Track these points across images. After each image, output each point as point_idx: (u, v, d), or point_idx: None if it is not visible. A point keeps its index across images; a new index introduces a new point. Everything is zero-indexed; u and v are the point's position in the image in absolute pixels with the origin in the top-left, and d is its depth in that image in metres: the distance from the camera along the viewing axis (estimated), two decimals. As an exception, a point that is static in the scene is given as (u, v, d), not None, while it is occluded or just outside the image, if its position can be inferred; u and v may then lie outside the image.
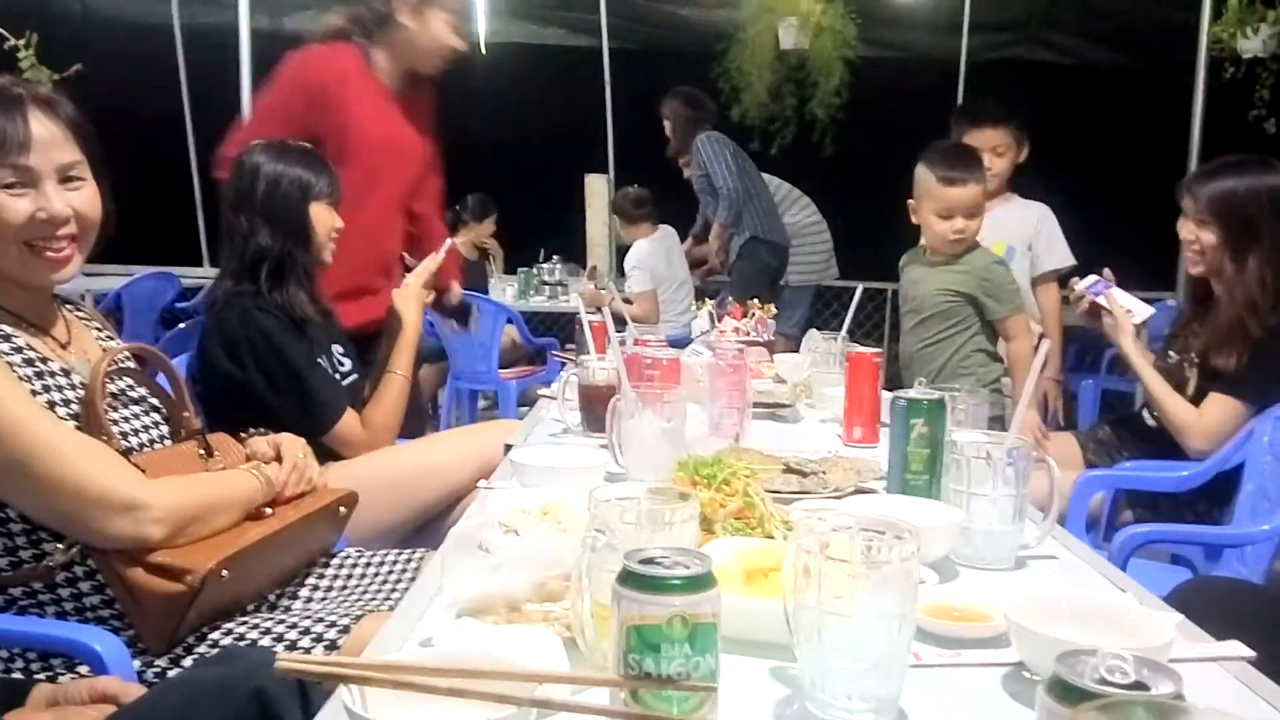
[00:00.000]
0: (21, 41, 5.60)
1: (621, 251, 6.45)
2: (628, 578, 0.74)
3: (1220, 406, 2.28)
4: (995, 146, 3.26)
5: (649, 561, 0.75)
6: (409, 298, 2.30)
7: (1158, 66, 6.21)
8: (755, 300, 3.07)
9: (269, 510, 1.50)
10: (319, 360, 2.13)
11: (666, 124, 5.20)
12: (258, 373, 2.04)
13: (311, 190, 2.12)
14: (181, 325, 2.76)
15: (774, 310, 3.08)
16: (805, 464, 1.52)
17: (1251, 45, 5.19)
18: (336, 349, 2.21)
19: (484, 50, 6.52)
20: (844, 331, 2.54)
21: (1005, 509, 1.20)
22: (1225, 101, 5.39)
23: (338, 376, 2.18)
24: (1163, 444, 2.39)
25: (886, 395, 1.99)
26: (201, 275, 6.30)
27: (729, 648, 0.82)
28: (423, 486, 2.07)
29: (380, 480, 1.92)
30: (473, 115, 7.17)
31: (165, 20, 6.75)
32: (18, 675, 1.31)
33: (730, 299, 3.38)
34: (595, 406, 1.88)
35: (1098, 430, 2.74)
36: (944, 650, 0.96)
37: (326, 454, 2.02)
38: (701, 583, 0.74)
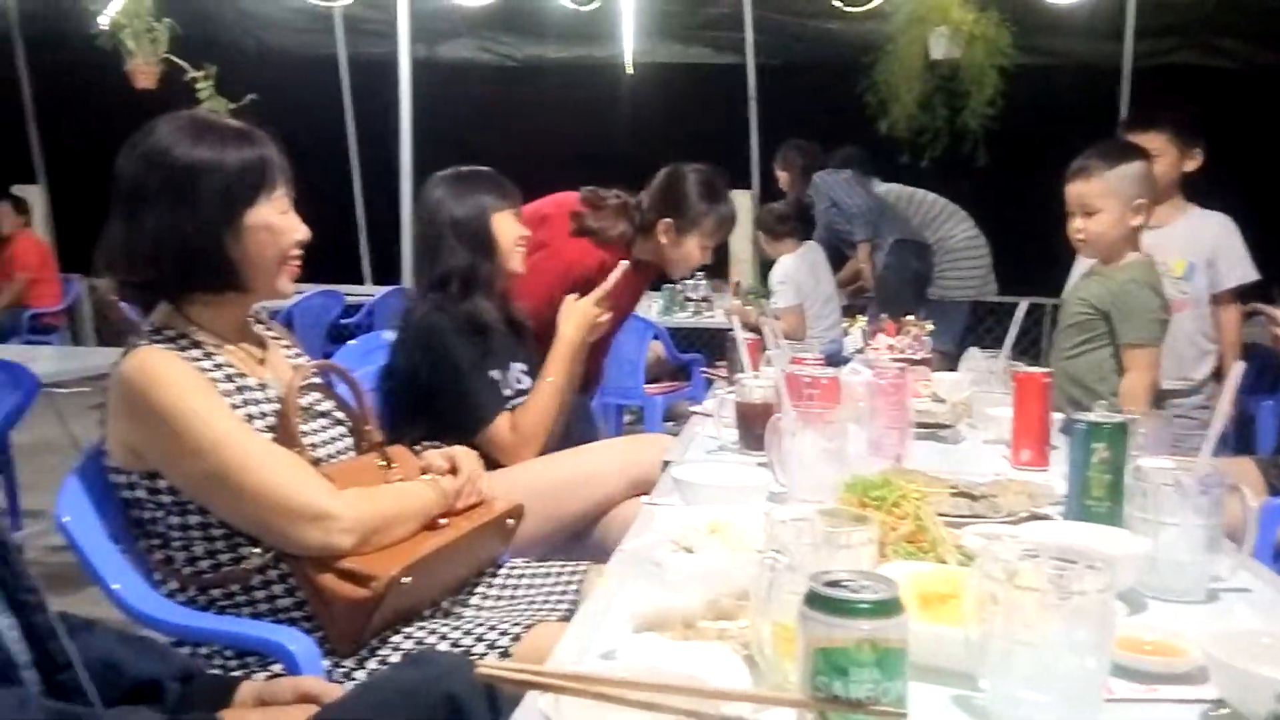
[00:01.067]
0: (201, 74, 6.04)
1: (765, 267, 6.45)
2: (814, 600, 0.74)
3: None
4: (1154, 150, 3.07)
5: (835, 584, 0.75)
6: (570, 312, 2.33)
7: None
8: (909, 316, 3.02)
9: (444, 521, 1.57)
10: (490, 370, 2.20)
11: (783, 176, 5.43)
12: (423, 364, 2.15)
13: (492, 203, 2.23)
14: (352, 341, 2.91)
15: (929, 326, 3.02)
16: (974, 487, 1.49)
17: None
18: (519, 367, 2.28)
19: (630, 71, 6.65)
20: (1006, 350, 2.47)
21: (1196, 539, 1.15)
22: None
23: (509, 393, 2.25)
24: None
25: (1058, 416, 1.94)
26: (364, 293, 6.62)
27: (911, 674, 0.81)
28: (573, 498, 2.11)
29: (532, 490, 1.96)
30: (617, 134, 7.31)
31: (331, 52, 7.15)
32: (217, 671, 1.41)
33: (883, 315, 3.32)
34: (753, 424, 1.89)
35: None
36: (1138, 684, 0.93)
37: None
38: (890, 608, 0.74)
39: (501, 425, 2.17)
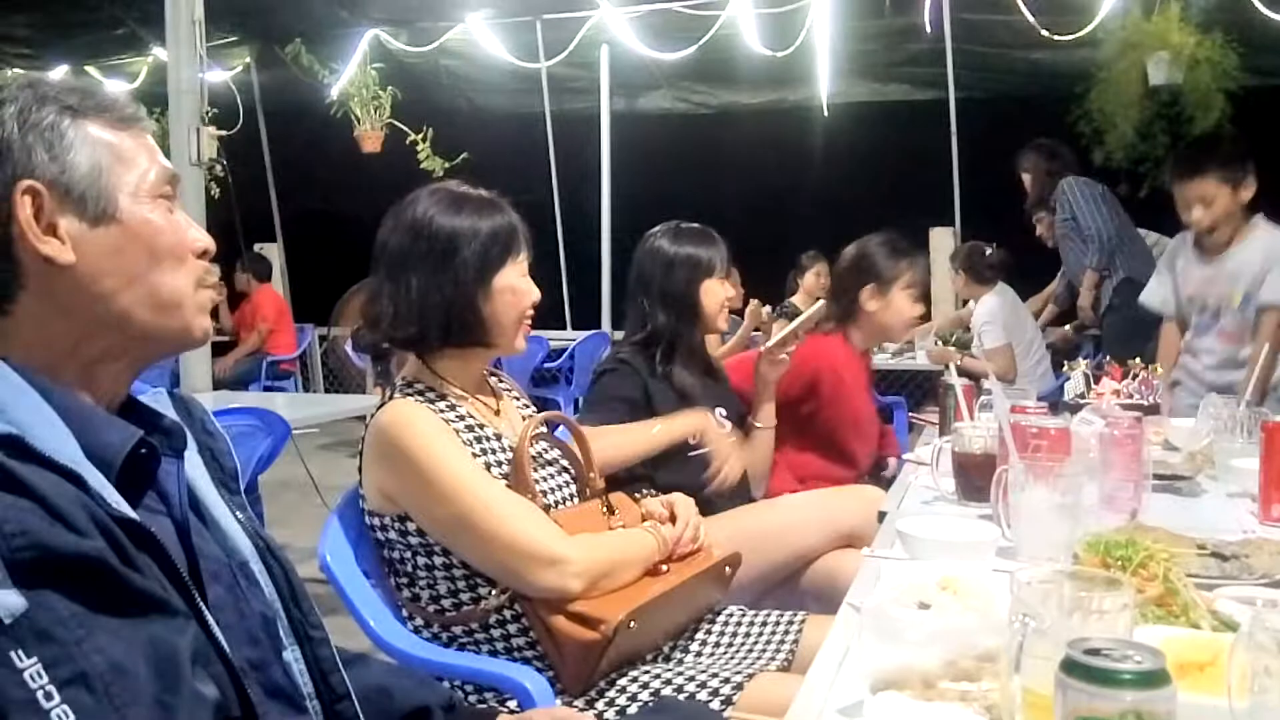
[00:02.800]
0: (419, 135, 6.48)
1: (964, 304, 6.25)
2: (1073, 668, 0.73)
3: None
4: (1202, 197, 2.99)
5: (1095, 652, 0.74)
6: (763, 362, 2.38)
7: None
8: (1138, 360, 2.86)
9: (665, 568, 1.61)
10: None
11: (1025, 177, 5.09)
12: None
13: (701, 268, 2.28)
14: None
15: (1159, 370, 2.86)
16: (1223, 546, 1.40)
17: None
18: (720, 412, 2.33)
19: (826, 112, 6.65)
20: (1248, 396, 2.30)
21: None
22: None
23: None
24: None
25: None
26: (566, 338, 6.87)
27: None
28: (774, 548, 2.11)
29: (734, 539, 1.94)
30: (814, 176, 7.30)
31: (537, 110, 7.50)
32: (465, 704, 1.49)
33: (1108, 358, 3.16)
34: (973, 475, 1.85)
35: None
36: None
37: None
38: (1157, 679, 0.72)
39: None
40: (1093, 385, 2.62)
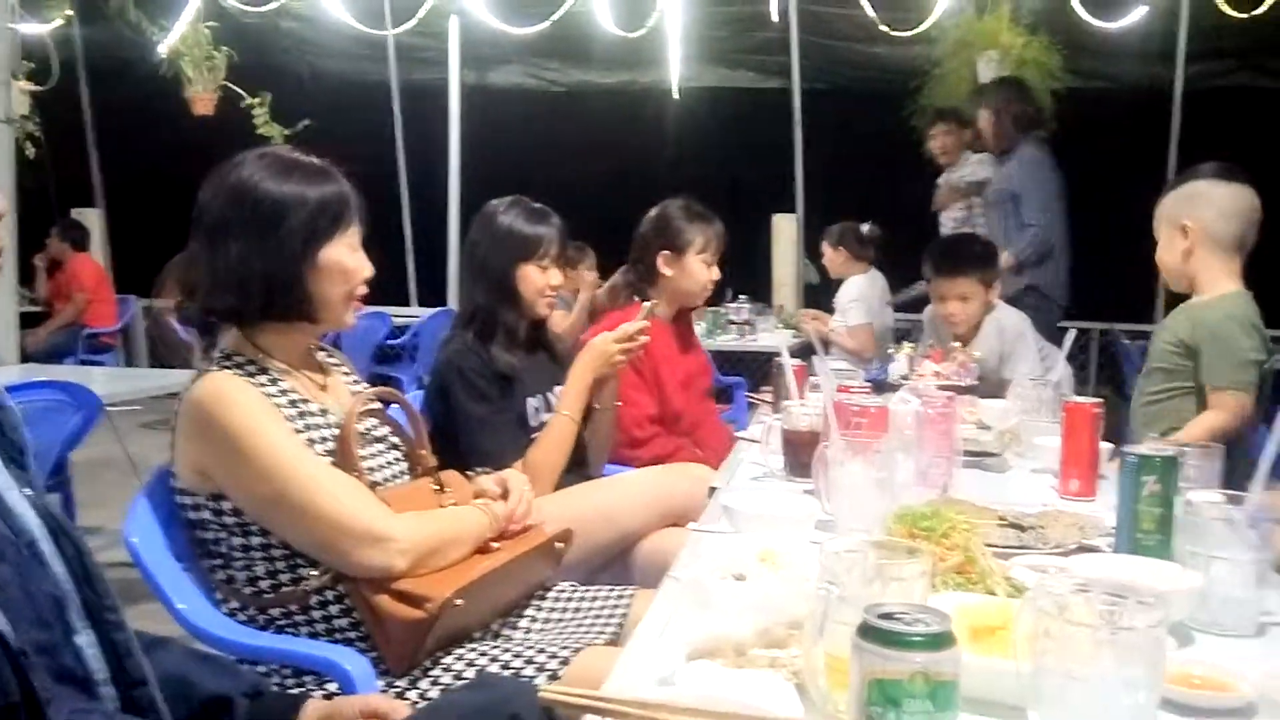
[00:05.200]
0: (256, 100, 6.19)
1: (810, 290, 6.45)
2: (868, 631, 0.76)
3: None
4: (961, 295, 3.18)
5: (888, 616, 0.77)
6: (586, 349, 2.33)
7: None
8: (958, 344, 3.02)
9: (496, 544, 1.60)
10: (515, 408, 2.24)
11: (984, 116, 4.62)
12: (439, 405, 2.19)
13: (521, 249, 2.25)
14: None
15: (976, 353, 3.02)
16: (1022, 517, 1.49)
17: None
18: (560, 389, 2.31)
19: (677, 95, 6.71)
20: (1056, 377, 2.46)
21: (1247, 574, 1.15)
22: None
23: (546, 416, 2.29)
24: None
25: (1105, 446, 1.93)
26: (410, 314, 6.73)
27: (961, 705, 0.82)
28: (602, 528, 2.12)
29: (563, 518, 1.91)
30: (662, 158, 7.37)
31: (383, 78, 7.29)
32: (274, 689, 1.45)
33: (931, 341, 3.32)
34: (799, 452, 1.91)
35: None
36: (1184, 719, 0.93)
37: None
38: (943, 641, 0.75)
39: (515, 467, 2.17)
40: (916, 367, 2.75)
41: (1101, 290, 5.39)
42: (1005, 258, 4.34)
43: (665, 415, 2.76)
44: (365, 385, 1.74)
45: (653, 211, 2.88)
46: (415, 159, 7.50)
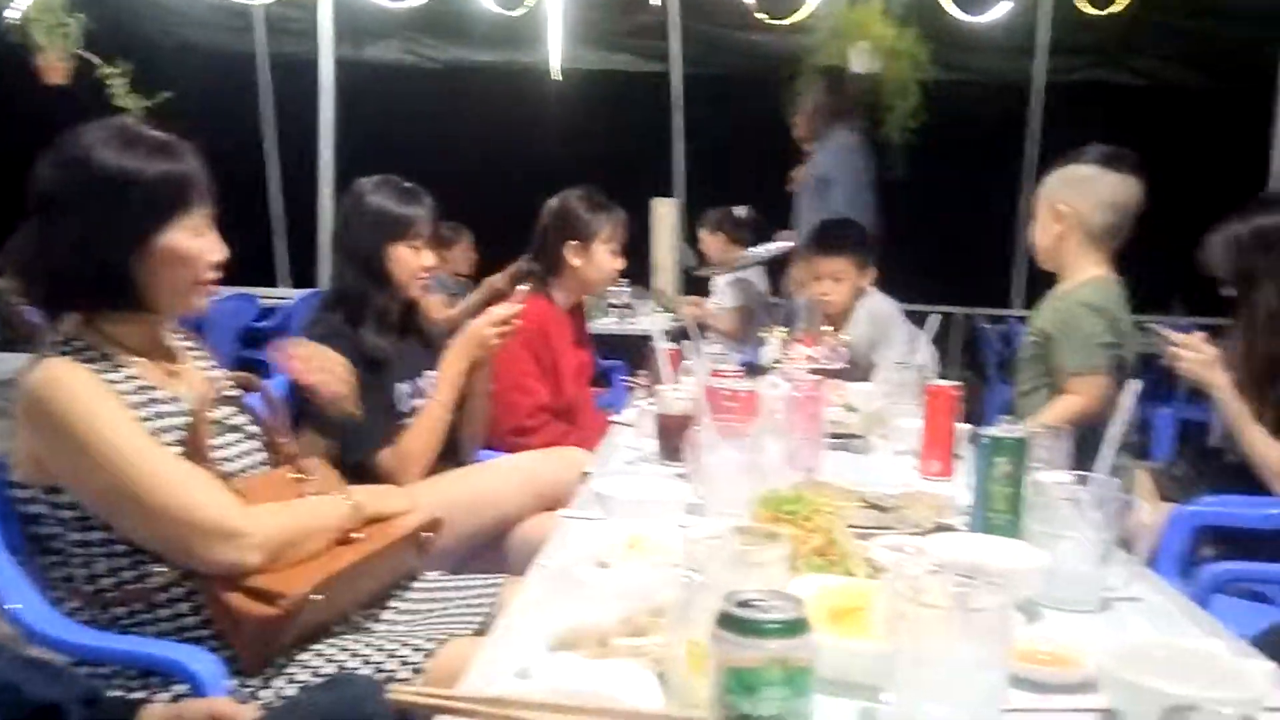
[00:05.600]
0: (115, 70, 5.85)
1: (689, 274, 6.49)
2: (725, 620, 0.76)
3: None
4: (834, 274, 3.27)
5: (745, 604, 0.77)
6: (466, 332, 2.28)
7: (1240, 88, 6.09)
8: (831, 328, 3.08)
9: (358, 535, 1.55)
10: (385, 392, 2.18)
11: (803, 102, 4.68)
12: (308, 398, 2.11)
13: (392, 229, 2.19)
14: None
15: (846, 337, 3.09)
16: (884, 499, 1.53)
17: (1336, 64, 5.07)
18: (432, 375, 2.26)
19: (557, 76, 6.65)
20: (920, 361, 2.53)
21: (1091, 551, 1.20)
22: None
23: (418, 402, 2.23)
24: (1246, 481, 2.34)
25: (963, 428, 2.00)
26: (279, 295, 6.49)
27: (818, 687, 0.83)
28: (475, 514, 2.10)
29: (435, 505, 1.88)
30: (542, 140, 7.30)
31: (251, 50, 6.99)
32: (118, 692, 1.37)
33: (803, 325, 3.38)
34: (672, 436, 1.91)
35: (1173, 466, 2.68)
36: (1034, 695, 0.96)
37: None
38: (798, 627, 0.75)
39: (384, 454, 2.14)
40: (787, 350, 2.79)
41: (963, 276, 5.60)
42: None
43: (557, 404, 2.74)
44: (223, 371, 1.66)
45: (553, 202, 2.87)
46: (286, 135, 7.22)
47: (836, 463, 1.94)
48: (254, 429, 1.63)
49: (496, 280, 5.39)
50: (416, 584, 1.70)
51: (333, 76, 6.49)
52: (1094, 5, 5.59)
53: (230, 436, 1.57)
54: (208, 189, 1.48)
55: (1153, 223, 2.58)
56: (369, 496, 1.61)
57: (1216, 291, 2.47)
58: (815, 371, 2.46)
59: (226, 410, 1.59)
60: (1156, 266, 3.36)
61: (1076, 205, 2.44)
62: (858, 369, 2.96)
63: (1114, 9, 5.62)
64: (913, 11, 5.69)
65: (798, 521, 1.23)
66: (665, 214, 6.64)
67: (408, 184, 2.27)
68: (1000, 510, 1.34)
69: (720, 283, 5.20)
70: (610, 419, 2.72)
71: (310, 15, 6.63)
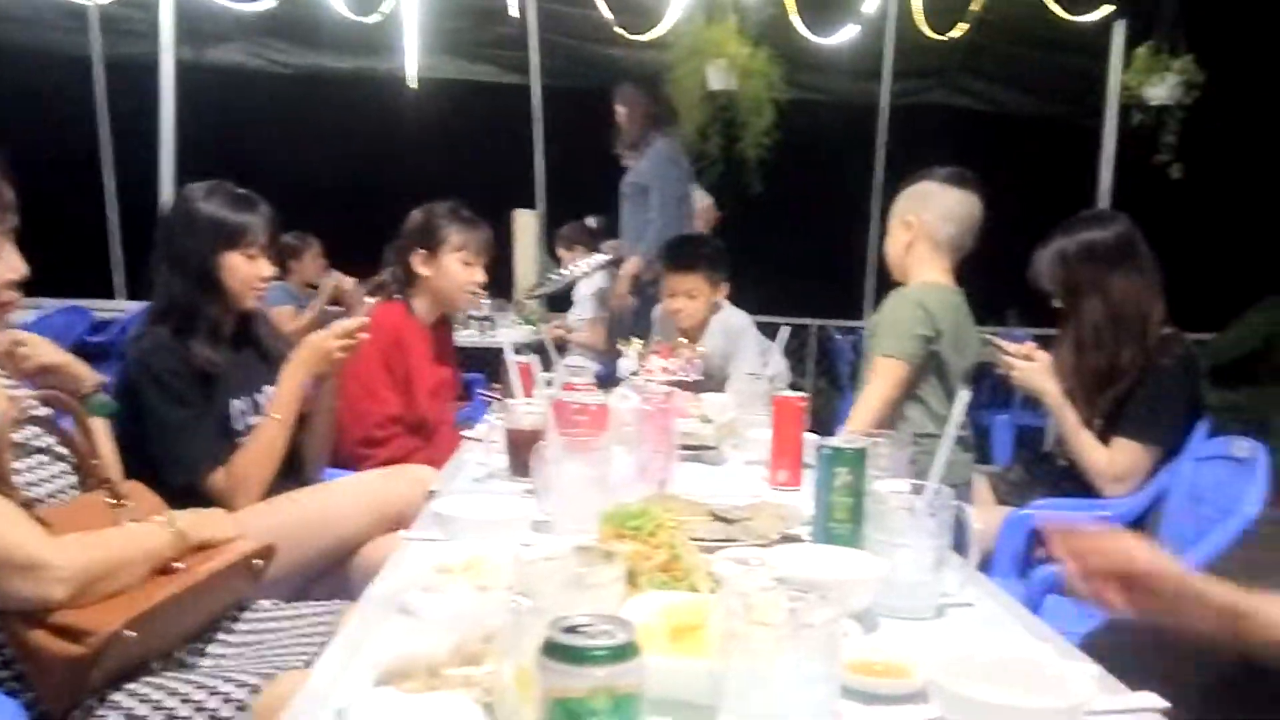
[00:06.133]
0: (-72, 71, 5.43)
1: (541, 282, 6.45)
2: (551, 648, 0.72)
3: (1126, 451, 2.36)
4: (689, 291, 3.33)
5: (572, 630, 0.73)
6: (306, 345, 2.19)
7: (1070, 112, 6.46)
8: (684, 340, 3.09)
9: (179, 564, 1.45)
10: (206, 413, 2.07)
11: (620, 112, 4.73)
12: (128, 409, 1.98)
13: (225, 236, 2.08)
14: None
15: (701, 349, 3.10)
16: (731, 511, 1.52)
17: (1158, 93, 5.44)
18: (270, 390, 2.15)
19: (414, 85, 6.51)
20: (772, 372, 2.56)
21: (926, 559, 1.22)
22: (1133, 147, 5.64)
23: (254, 420, 2.12)
24: (1076, 484, 2.46)
25: (812, 438, 2.03)
26: (114, 308, 6.13)
27: (655, 709, 0.81)
28: (317, 536, 2.01)
29: (271, 529, 1.81)
30: (400, 149, 7.15)
31: (84, 52, 6.60)
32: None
33: (658, 338, 3.39)
34: (521, 451, 1.86)
35: (1009, 471, 2.80)
36: (866, 707, 0.96)
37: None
38: (625, 652, 0.72)
39: (216, 476, 2.04)
40: (644, 362, 2.79)
41: (816, 288, 5.75)
42: (633, 262, 4.54)
43: (409, 418, 2.66)
44: (26, 389, 1.53)
45: (415, 212, 2.81)
46: (123, 141, 6.83)
47: (689, 475, 1.94)
48: (64, 451, 1.51)
49: (344, 282, 5.23)
50: (247, 614, 1.60)
51: (174, 80, 6.20)
52: (934, 30, 5.85)
53: (36, 459, 1.45)
54: (10, 204, 1.37)
55: (989, 238, 2.71)
56: (194, 522, 1.51)
57: (1048, 304, 2.61)
58: (671, 383, 2.47)
59: (32, 431, 1.47)
60: (993, 280, 3.51)
61: (922, 216, 2.58)
62: (712, 381, 2.98)
63: (953, 34, 5.89)
64: (766, 31, 5.82)
65: (641, 538, 1.21)
66: (526, 225, 6.59)
67: (241, 190, 2.16)
68: (841, 520, 1.35)
69: (581, 293, 5.18)
70: (463, 435, 2.66)
71: (149, 16, 6.32)
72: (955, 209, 2.59)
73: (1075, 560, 1.21)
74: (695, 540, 1.32)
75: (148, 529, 1.44)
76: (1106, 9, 5.66)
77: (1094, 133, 5.90)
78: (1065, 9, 5.57)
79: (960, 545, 1.30)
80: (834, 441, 1.38)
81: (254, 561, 1.57)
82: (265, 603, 1.64)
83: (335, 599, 1.72)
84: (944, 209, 2.58)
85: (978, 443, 3.53)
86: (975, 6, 5.80)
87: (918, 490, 1.26)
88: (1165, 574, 1.19)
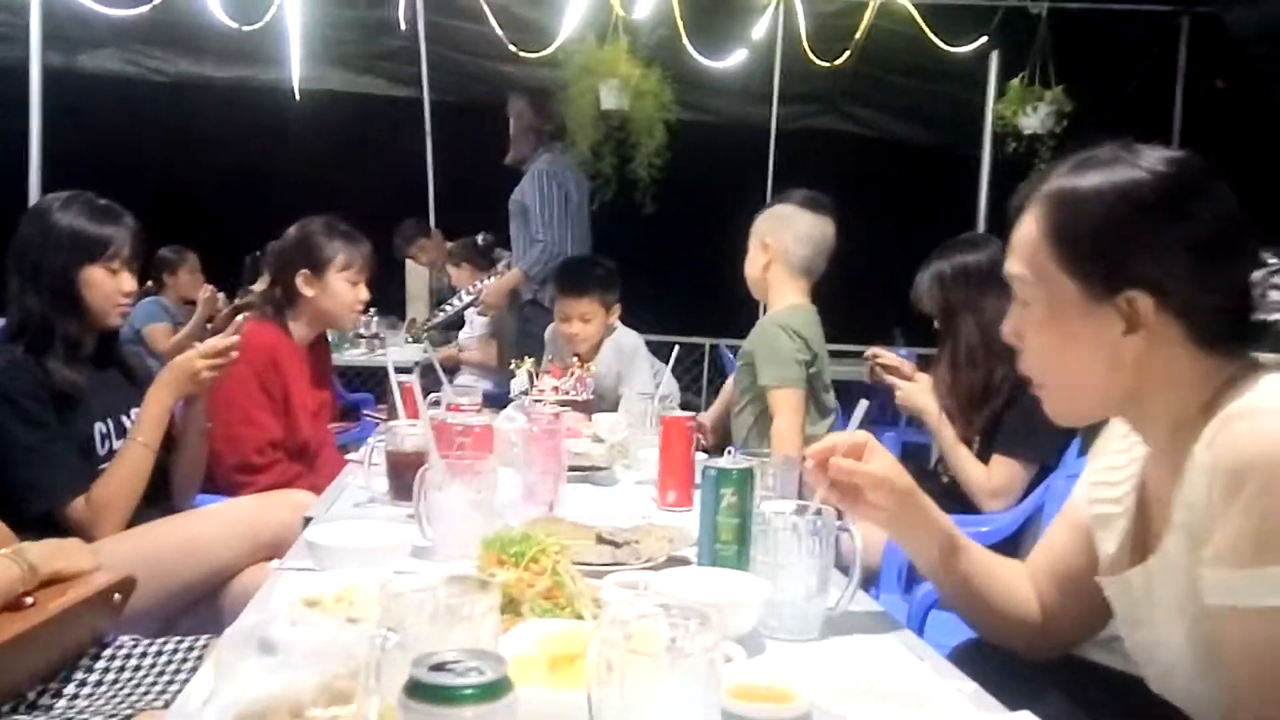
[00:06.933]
0: None
1: (439, 303, 6.35)
2: (416, 688, 0.69)
3: (1003, 467, 2.44)
4: (583, 315, 3.33)
5: (439, 668, 0.70)
6: (172, 366, 2.09)
7: (949, 140, 6.70)
8: (577, 359, 3.06)
9: (29, 600, 1.35)
10: (65, 437, 1.96)
11: (511, 124, 4.69)
12: None
13: (87, 250, 1.97)
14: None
15: (593, 369, 3.08)
16: (618, 533, 1.50)
17: (1031, 122, 5.68)
18: (134, 412, 2.04)
19: (297, 96, 6.34)
20: (664, 392, 2.56)
21: (810, 580, 1.21)
22: (1009, 173, 5.87)
23: (118, 444, 2.01)
24: (958, 500, 2.52)
25: (702, 457, 2.03)
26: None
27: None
28: (184, 565, 1.92)
29: (141, 557, 1.75)
30: (286, 162, 6.95)
31: (-59, 53, 6.25)
32: None
33: (550, 358, 3.35)
34: (404, 474, 1.81)
35: None
36: (749, 733, 0.95)
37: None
38: (495, 690, 0.69)
39: (76, 504, 1.93)
40: (535, 382, 2.75)
41: (710, 308, 5.79)
42: (514, 274, 4.54)
43: (290, 443, 2.56)
44: None
45: (292, 230, 2.71)
46: (-13, 149, 6.48)
47: (578, 496, 1.91)
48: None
49: (216, 299, 5.04)
50: (106, 652, 1.50)
51: (40, 86, 5.90)
52: (820, 58, 5.99)
53: None
54: None
55: (875, 259, 2.80)
56: (45, 554, 1.41)
57: (931, 323, 2.69)
58: (563, 403, 2.44)
59: None
60: (879, 299, 3.60)
61: (780, 238, 2.70)
62: (604, 401, 2.96)
63: (838, 63, 6.04)
64: (656, 53, 5.86)
65: (524, 563, 1.17)
66: (420, 243, 6.48)
67: (103, 201, 2.05)
68: (727, 541, 1.34)
69: (472, 311, 5.11)
70: (347, 458, 2.58)
71: (16, 19, 6.01)
72: (810, 232, 2.70)
73: (820, 470, 1.26)
74: (581, 565, 1.30)
75: (-8, 563, 1.34)
76: (981, 41, 5.89)
77: (972, 160, 6.12)
78: (943, 41, 5.77)
79: (843, 564, 1.31)
80: (720, 462, 1.37)
81: (114, 595, 1.47)
82: (126, 639, 1.54)
83: (205, 634, 1.63)
84: (799, 232, 2.70)
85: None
86: (858, 36, 5.96)
87: (801, 510, 1.26)
88: (896, 482, 1.27)
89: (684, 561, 1.47)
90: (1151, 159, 1.09)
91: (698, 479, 1.95)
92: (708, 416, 3.12)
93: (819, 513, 1.23)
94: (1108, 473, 1.26)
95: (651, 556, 1.44)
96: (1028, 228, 1.14)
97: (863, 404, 1.34)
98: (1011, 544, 2.30)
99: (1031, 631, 1.31)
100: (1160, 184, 1.07)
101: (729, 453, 1.42)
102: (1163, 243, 1.06)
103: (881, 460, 1.27)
